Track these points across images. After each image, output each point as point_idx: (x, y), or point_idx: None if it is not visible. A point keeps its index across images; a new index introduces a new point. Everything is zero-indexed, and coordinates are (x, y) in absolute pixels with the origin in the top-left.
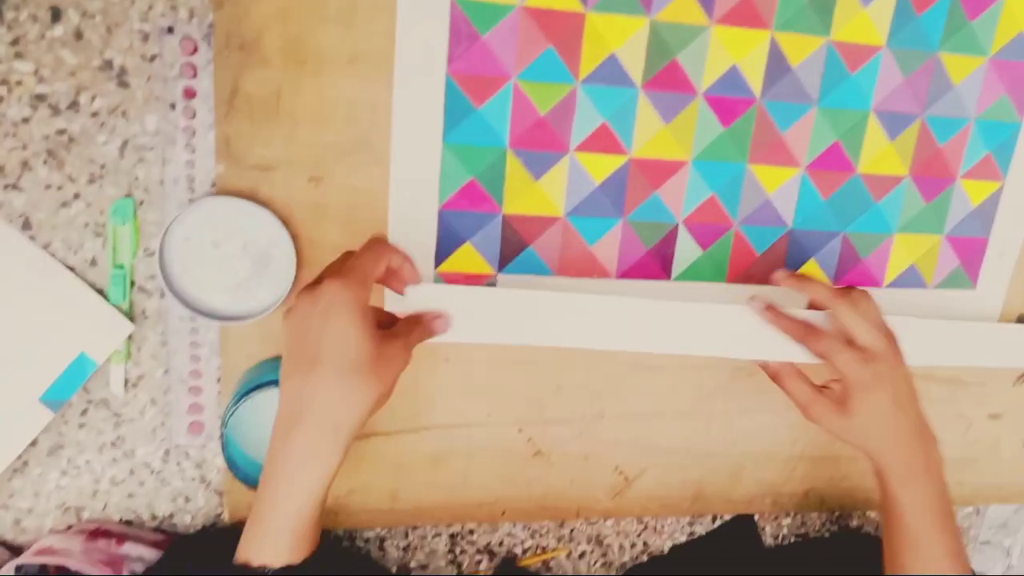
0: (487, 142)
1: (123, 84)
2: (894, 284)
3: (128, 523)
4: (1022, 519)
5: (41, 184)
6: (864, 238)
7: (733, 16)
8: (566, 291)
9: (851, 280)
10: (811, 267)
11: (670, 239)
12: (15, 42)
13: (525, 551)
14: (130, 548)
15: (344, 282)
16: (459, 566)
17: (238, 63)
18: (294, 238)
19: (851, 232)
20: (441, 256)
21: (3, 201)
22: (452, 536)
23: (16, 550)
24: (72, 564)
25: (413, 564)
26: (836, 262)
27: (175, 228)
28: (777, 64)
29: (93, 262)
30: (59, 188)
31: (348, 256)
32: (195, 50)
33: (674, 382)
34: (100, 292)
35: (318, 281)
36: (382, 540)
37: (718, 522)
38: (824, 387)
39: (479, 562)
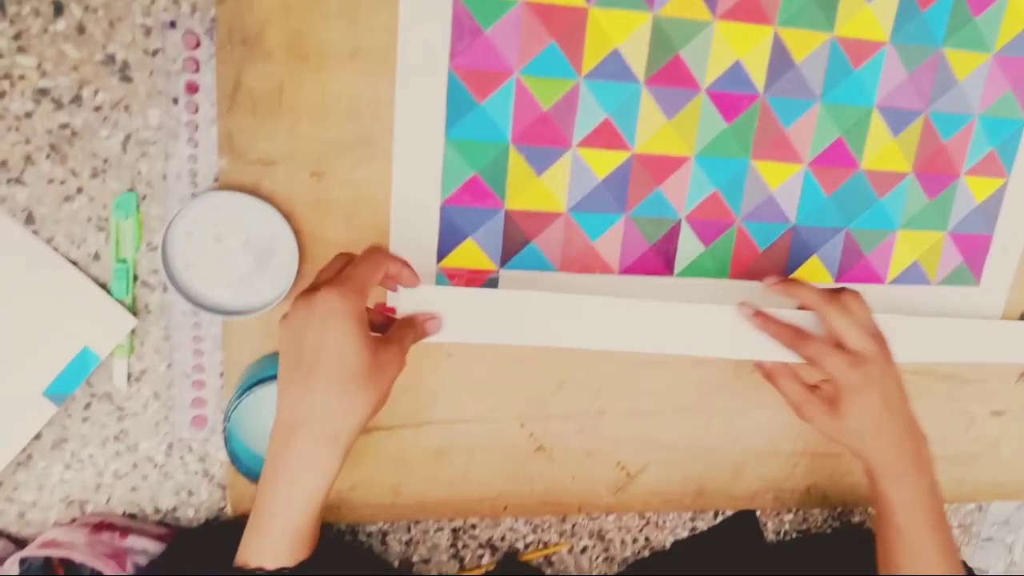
0: (489, 137)
1: (126, 78)
2: (897, 281)
3: (132, 516)
4: None
5: (44, 178)
6: (867, 234)
7: (736, 11)
8: (568, 286)
9: (854, 277)
10: (814, 264)
11: (672, 235)
12: (17, 36)
13: (527, 546)
14: (134, 541)
15: (341, 291)
16: (461, 560)
17: (240, 58)
18: (296, 233)
19: (854, 228)
20: (443, 251)
21: (6, 195)
22: (454, 531)
23: (20, 543)
24: (76, 556)
25: (415, 558)
26: (839, 259)
27: (178, 223)
28: (780, 60)
29: (96, 256)
30: (62, 182)
31: (342, 258)
32: (197, 44)
33: (675, 378)
34: (103, 286)
35: (314, 288)
36: (384, 534)
37: (720, 518)
38: (817, 387)
39: (481, 556)
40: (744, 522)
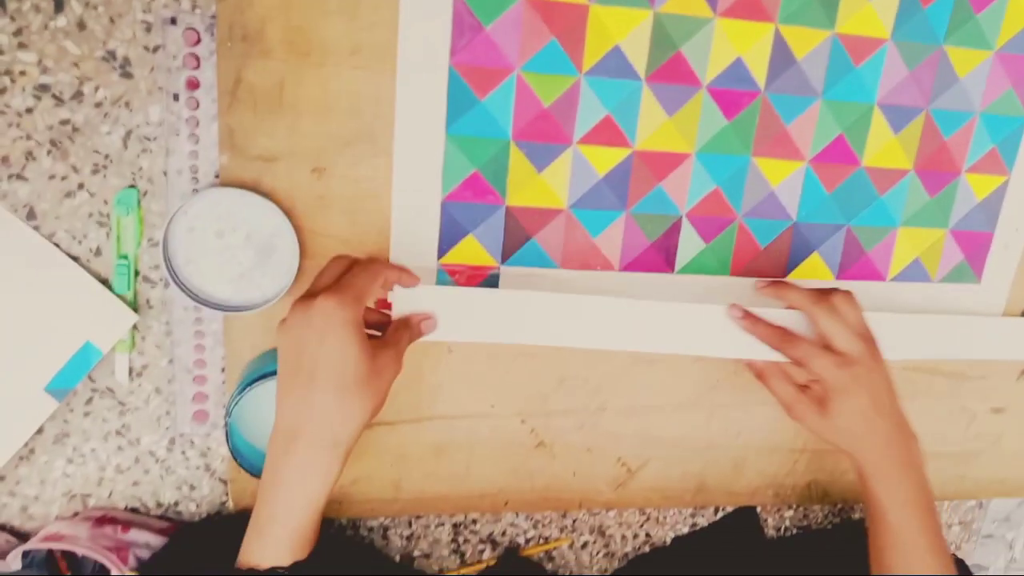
0: (490, 134)
1: (126, 75)
2: (898, 278)
3: (134, 511)
4: None
5: (45, 174)
6: (868, 231)
7: (737, 8)
8: (569, 283)
9: (855, 274)
10: (815, 261)
11: (673, 232)
12: (18, 32)
13: (528, 541)
14: (136, 535)
15: (340, 300)
16: (462, 555)
17: (241, 54)
18: (297, 229)
19: (855, 225)
20: (444, 248)
21: (7, 191)
22: (455, 526)
23: (23, 537)
24: (79, 550)
25: (416, 553)
26: (840, 255)
27: (179, 218)
28: (781, 57)
29: (97, 252)
30: (63, 178)
31: (338, 261)
32: (198, 41)
33: (676, 375)
34: (104, 282)
35: (312, 294)
36: (385, 529)
37: (720, 514)
38: (807, 387)
39: (482, 551)
40: (744, 518)
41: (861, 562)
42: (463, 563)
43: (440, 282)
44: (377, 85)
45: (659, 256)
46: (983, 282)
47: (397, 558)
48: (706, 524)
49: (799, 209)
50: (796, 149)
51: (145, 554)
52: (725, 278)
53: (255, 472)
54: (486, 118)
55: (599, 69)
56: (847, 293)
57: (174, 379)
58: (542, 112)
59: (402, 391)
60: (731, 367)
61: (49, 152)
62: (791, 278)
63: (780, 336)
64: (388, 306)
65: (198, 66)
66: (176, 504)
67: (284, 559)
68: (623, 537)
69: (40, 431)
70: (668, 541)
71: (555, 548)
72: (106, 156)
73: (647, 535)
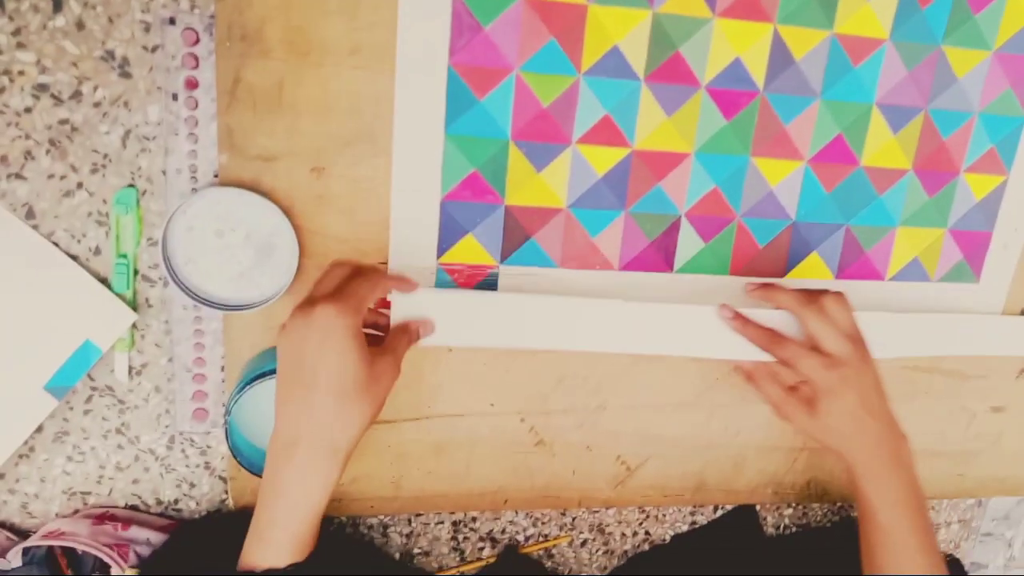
0: (489, 134)
1: (125, 74)
2: (897, 277)
3: (134, 508)
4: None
5: (44, 174)
6: (867, 231)
7: (736, 9)
8: (568, 283)
9: (854, 273)
10: (814, 260)
11: (672, 231)
12: (17, 32)
13: (527, 539)
14: (136, 532)
15: (339, 308)
16: (461, 553)
17: (240, 54)
18: (296, 228)
19: (854, 225)
20: (443, 247)
21: (6, 190)
22: (455, 524)
23: (23, 534)
24: (79, 547)
25: (416, 551)
26: (839, 255)
27: (178, 218)
28: (780, 57)
29: (96, 251)
30: (62, 178)
31: (337, 268)
32: (197, 40)
33: (676, 374)
34: (104, 281)
35: (311, 301)
36: (385, 527)
37: (720, 512)
38: (796, 388)
39: (481, 549)
40: (744, 517)
41: (860, 560)
42: (463, 561)
43: (439, 281)
44: (376, 85)
45: (658, 256)
46: (982, 282)
47: (397, 556)
48: (705, 522)
49: (798, 209)
50: (795, 149)
51: (145, 551)
52: (724, 278)
53: (254, 470)
54: (485, 118)
55: (598, 69)
56: (838, 294)
57: (174, 378)
58: (541, 112)
59: (402, 390)
60: (731, 366)
61: (48, 151)
62: (790, 277)
63: (769, 337)
64: (387, 305)
65: (197, 66)
66: (176, 502)
67: (284, 563)
68: (622, 535)
69: (40, 429)
70: (667, 539)
71: (555, 546)
72: (105, 155)
73: (646, 533)
